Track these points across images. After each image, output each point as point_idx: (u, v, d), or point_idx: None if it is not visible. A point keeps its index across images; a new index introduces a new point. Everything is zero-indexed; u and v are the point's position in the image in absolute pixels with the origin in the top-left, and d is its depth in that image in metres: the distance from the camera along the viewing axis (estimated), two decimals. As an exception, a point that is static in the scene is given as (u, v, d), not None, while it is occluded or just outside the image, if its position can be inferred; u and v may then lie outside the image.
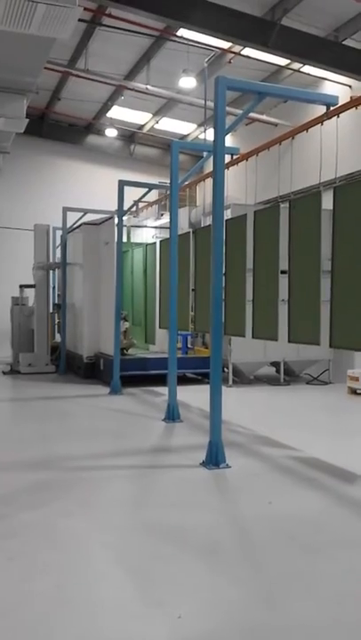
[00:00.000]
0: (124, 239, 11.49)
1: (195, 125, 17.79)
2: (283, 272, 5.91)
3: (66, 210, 12.92)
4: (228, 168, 11.87)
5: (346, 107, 10.54)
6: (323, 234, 5.38)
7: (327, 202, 5.39)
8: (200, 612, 3.00)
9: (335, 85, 13.04)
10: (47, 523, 4.14)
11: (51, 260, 13.46)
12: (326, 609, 3.03)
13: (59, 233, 14.00)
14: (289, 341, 5.81)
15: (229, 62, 13.38)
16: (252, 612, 3.01)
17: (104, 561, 3.58)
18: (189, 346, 11.95)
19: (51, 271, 13.73)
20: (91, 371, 11.52)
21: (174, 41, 12.70)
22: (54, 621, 2.90)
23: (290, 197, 9.98)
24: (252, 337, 6.40)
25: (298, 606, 3.04)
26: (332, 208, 5.22)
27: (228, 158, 6.88)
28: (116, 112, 17.39)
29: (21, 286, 13.28)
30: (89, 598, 3.12)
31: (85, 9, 10.87)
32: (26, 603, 3.07)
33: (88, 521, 4.19)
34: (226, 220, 6.62)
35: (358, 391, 9.75)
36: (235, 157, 12.18)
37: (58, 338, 13.73)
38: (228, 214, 8.89)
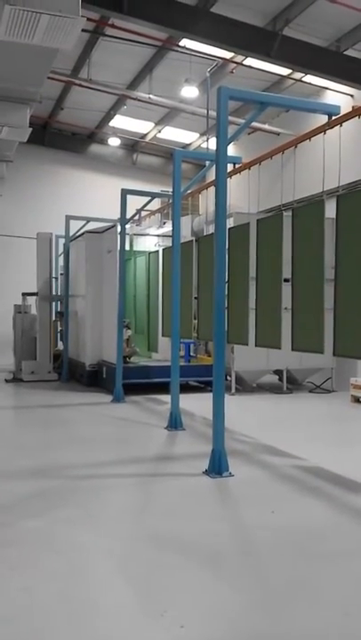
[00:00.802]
0: (127, 247, 11.52)
1: (197, 134, 17.86)
2: (285, 280, 5.92)
3: (69, 218, 12.95)
4: (230, 177, 11.91)
5: (348, 116, 10.58)
6: (326, 242, 5.39)
7: (330, 210, 5.40)
8: (203, 621, 2.98)
9: (337, 95, 13.09)
10: (49, 531, 4.13)
11: (53, 270, 13.49)
12: (331, 618, 3.01)
13: (61, 241, 14.03)
14: (292, 350, 5.81)
15: (232, 72, 13.45)
16: (255, 621, 2.99)
17: (106, 570, 3.56)
18: (192, 354, 11.94)
19: (54, 279, 13.78)
20: (93, 378, 11.51)
21: (177, 51, 12.77)
22: (56, 630, 2.88)
23: (293, 206, 10.00)
24: (256, 345, 6.39)
25: (302, 615, 3.02)
26: (334, 216, 5.23)
27: (230, 167, 6.91)
28: (119, 121, 17.46)
29: (24, 294, 13.30)
30: (91, 607, 3.10)
31: (88, 19, 10.95)
32: (27, 612, 3.05)
33: (90, 529, 4.18)
34: (229, 229, 6.64)
35: (361, 399, 9.73)
36: (237, 166, 12.23)
37: (60, 346, 13.73)
38: (230, 223, 8.91)
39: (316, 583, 3.38)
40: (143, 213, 15.40)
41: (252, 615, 3.04)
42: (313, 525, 4.29)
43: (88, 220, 12.90)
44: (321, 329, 5.38)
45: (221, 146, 5.63)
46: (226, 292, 5.89)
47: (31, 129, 8.72)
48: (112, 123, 17.59)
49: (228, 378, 10.43)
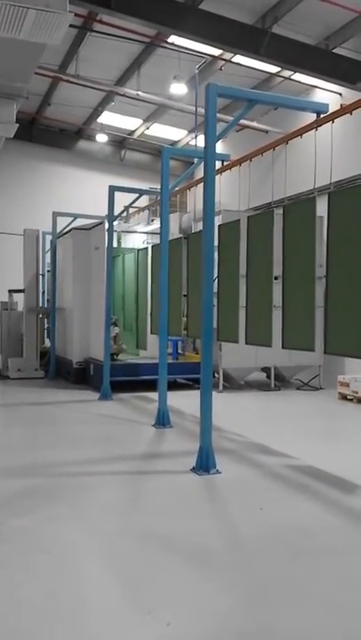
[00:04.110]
0: (115, 244, 11.47)
1: (185, 131, 17.83)
2: (276, 278, 5.92)
3: (56, 215, 12.87)
4: (220, 174, 11.88)
5: (336, 114, 10.57)
6: (317, 239, 5.40)
7: (319, 208, 5.40)
8: (190, 618, 2.97)
9: (326, 93, 13.12)
10: (36, 529, 4.10)
11: (40, 266, 13.42)
12: (320, 615, 3.02)
13: (48, 238, 13.97)
14: (283, 347, 5.81)
15: (220, 69, 13.43)
16: (242, 618, 2.99)
17: (94, 568, 3.54)
18: (180, 351, 11.94)
19: (41, 276, 13.72)
20: (81, 376, 11.47)
21: (165, 47, 12.72)
22: (44, 629, 2.86)
23: (283, 203, 10.00)
24: (246, 343, 6.39)
25: (290, 613, 3.02)
26: (323, 214, 5.24)
27: (218, 164, 6.92)
28: (107, 117, 17.39)
29: (10, 291, 13.21)
30: (79, 606, 3.08)
31: (76, 15, 10.88)
32: (15, 610, 3.03)
33: (78, 527, 4.15)
34: (219, 226, 6.62)
35: (349, 397, 9.78)
36: (226, 163, 12.22)
37: (47, 343, 13.67)
38: (218, 220, 8.92)
39: (305, 580, 3.38)
40: (131, 210, 15.38)
41: (239, 613, 3.04)
42: (301, 523, 4.29)
43: (75, 216, 12.83)
44: (311, 327, 5.39)
45: (210, 143, 5.62)
46: (216, 290, 5.87)
47: (18, 125, 8.63)
48: (100, 119, 17.52)
49: (216, 375, 10.44)
